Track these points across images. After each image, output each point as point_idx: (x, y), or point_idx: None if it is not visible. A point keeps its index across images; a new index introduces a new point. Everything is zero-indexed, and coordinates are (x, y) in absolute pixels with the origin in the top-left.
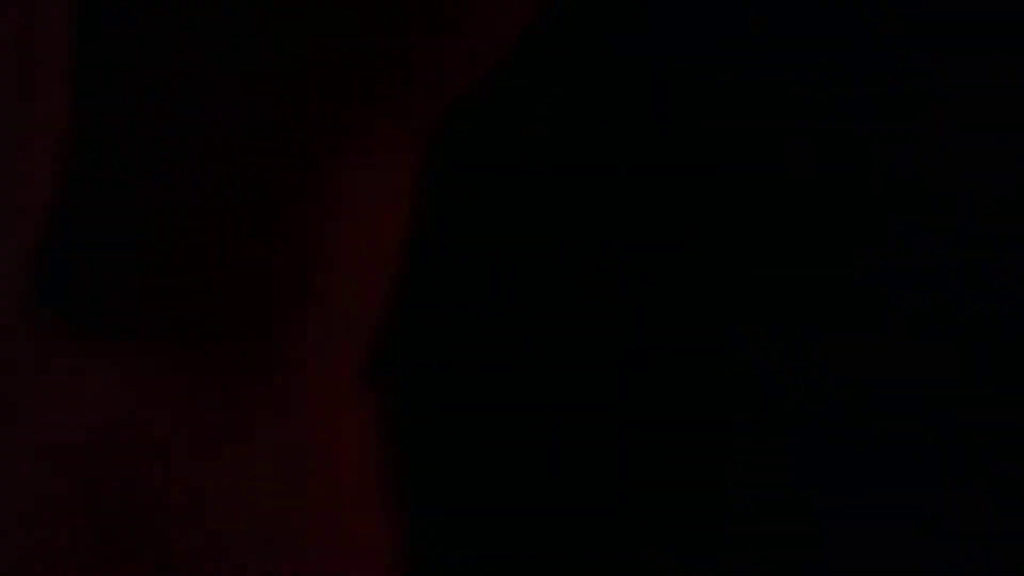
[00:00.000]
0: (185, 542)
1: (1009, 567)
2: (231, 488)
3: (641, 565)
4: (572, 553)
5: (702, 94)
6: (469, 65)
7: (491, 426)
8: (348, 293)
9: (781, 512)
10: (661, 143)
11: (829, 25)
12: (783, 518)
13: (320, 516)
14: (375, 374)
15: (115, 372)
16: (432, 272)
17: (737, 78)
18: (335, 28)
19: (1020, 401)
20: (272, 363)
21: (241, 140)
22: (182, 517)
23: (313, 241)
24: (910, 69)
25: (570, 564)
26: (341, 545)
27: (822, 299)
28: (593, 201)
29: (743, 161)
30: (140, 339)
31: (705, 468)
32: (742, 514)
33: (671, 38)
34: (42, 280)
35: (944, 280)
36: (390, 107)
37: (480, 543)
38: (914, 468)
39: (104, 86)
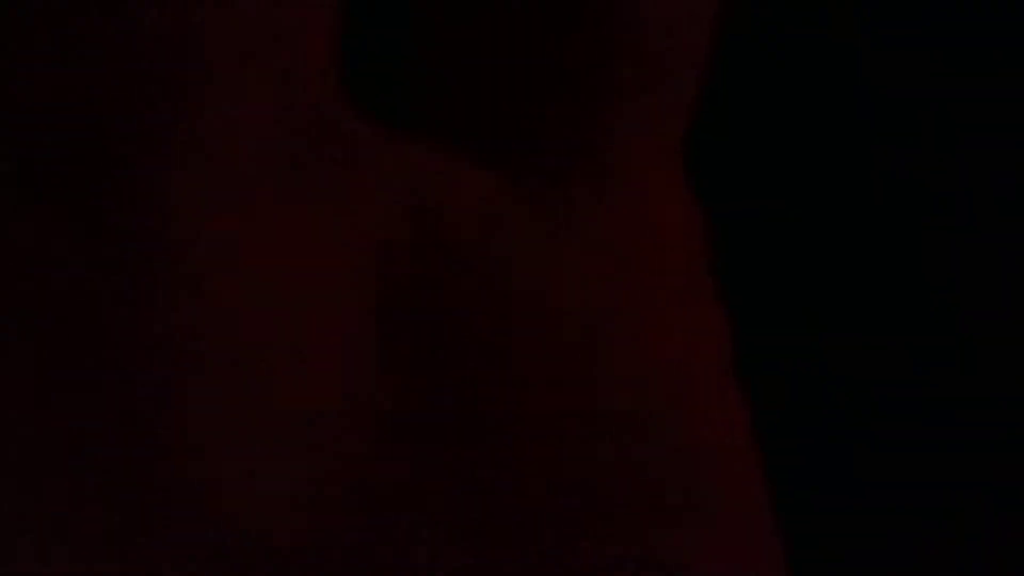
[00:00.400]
0: (484, 325)
1: (1009, 567)
2: (543, 277)
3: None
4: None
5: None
6: None
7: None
8: (659, 80)
9: (780, 512)
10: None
11: (828, 25)
12: (782, 518)
13: (645, 300)
14: (691, 161)
15: (425, 160)
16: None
17: (737, 77)
18: None
19: (1020, 401)
20: (588, 154)
21: None
22: (484, 301)
23: (618, 30)
24: (910, 69)
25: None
26: (667, 326)
27: (822, 299)
28: None
29: (743, 160)
30: (449, 135)
31: None
32: None
33: None
34: (353, 74)
35: (944, 280)
36: None
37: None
38: (914, 468)
39: None
